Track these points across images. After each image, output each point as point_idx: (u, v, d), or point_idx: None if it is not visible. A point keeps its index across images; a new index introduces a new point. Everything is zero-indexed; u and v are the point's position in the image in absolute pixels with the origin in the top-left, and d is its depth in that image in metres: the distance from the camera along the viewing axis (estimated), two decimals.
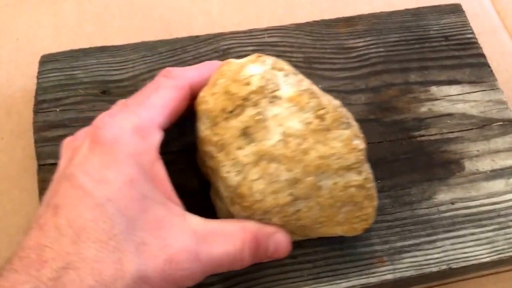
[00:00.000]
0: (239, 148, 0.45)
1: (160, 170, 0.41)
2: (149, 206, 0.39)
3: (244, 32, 0.65)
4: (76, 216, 0.36)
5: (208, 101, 0.46)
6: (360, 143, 0.47)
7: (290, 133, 0.45)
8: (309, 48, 0.63)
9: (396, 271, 0.52)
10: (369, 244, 0.53)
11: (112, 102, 0.54)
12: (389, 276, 0.52)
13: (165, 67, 0.57)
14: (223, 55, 0.62)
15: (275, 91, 0.46)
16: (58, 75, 0.60)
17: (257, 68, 0.47)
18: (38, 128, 0.55)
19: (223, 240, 0.41)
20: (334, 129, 0.46)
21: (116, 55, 0.62)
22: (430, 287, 0.56)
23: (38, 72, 0.58)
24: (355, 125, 0.48)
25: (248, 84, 0.46)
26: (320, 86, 0.58)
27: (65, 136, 0.52)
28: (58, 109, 0.58)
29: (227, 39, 0.64)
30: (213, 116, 0.46)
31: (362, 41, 0.65)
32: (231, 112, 0.45)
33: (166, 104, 0.44)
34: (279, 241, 0.45)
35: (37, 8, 0.68)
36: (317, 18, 0.66)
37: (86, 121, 0.54)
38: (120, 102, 0.44)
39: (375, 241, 0.54)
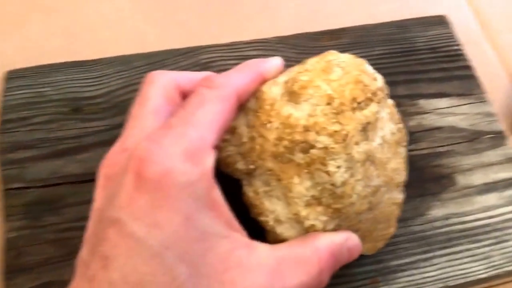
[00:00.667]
0: (356, 143, 0.41)
1: (217, 196, 0.36)
2: (211, 244, 0.34)
3: (226, 45, 0.64)
4: (131, 270, 0.32)
5: (322, 87, 0.41)
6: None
7: (386, 138, 0.43)
8: (294, 62, 0.61)
9: None
10: (363, 264, 0.52)
11: (84, 120, 0.52)
12: None
13: (142, 82, 0.56)
14: (204, 69, 0.61)
15: (387, 94, 0.45)
16: (25, 93, 0.58)
17: (371, 68, 0.45)
18: (4, 149, 0.53)
19: (297, 269, 0.37)
20: (401, 146, 0.46)
21: (89, 71, 0.61)
22: None
23: (4, 89, 0.56)
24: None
25: (375, 79, 0.43)
26: None
27: (33, 158, 0.49)
28: (25, 129, 0.56)
29: (207, 52, 0.63)
30: (337, 103, 0.41)
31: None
32: (359, 103, 0.42)
33: (214, 119, 0.38)
34: (351, 246, 0.42)
35: (1, 20, 0.65)
36: (300, 31, 0.65)
37: (55, 142, 0.52)
38: (162, 123, 0.38)
39: (368, 260, 0.52)
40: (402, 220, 0.54)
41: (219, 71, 0.51)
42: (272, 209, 0.43)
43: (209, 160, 0.36)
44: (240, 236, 0.37)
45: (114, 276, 0.31)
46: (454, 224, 0.55)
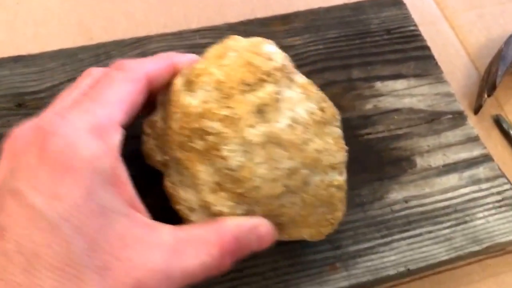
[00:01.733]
0: (251, 126, 0.41)
1: (122, 174, 0.37)
2: (111, 219, 0.35)
3: (173, 33, 0.63)
4: (27, 240, 0.32)
5: (214, 73, 0.42)
6: (344, 143, 0.46)
7: (297, 119, 0.43)
8: None
9: (351, 277, 0.51)
10: (320, 251, 0.52)
11: (29, 115, 0.51)
12: (344, 283, 0.51)
13: None
14: None
15: (292, 73, 0.44)
16: None
17: (273, 47, 0.45)
18: None
19: (197, 249, 0.37)
20: (330, 125, 0.45)
21: (32, 65, 0.59)
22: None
23: None
24: (339, 123, 0.47)
25: (271, 59, 0.43)
26: None
27: None
28: None
29: (154, 42, 0.62)
30: (227, 88, 0.41)
31: (300, 39, 0.65)
32: (250, 85, 0.41)
33: (123, 99, 0.39)
34: (262, 233, 0.42)
35: None
36: (250, 17, 0.64)
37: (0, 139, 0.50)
38: (69, 98, 0.39)
39: (326, 247, 0.52)
40: (360, 205, 0.54)
41: None
42: (185, 198, 0.43)
43: (116, 137, 0.38)
44: (141, 215, 0.37)
45: (8, 246, 0.32)
46: (413, 207, 0.55)
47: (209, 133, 0.40)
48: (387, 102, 0.61)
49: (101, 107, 0.38)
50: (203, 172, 0.41)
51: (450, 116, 0.61)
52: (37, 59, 0.60)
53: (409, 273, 0.52)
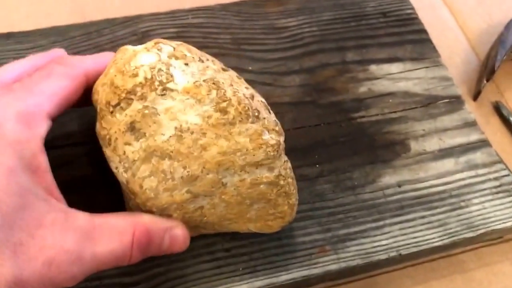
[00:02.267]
0: (127, 143, 0.42)
1: (42, 162, 0.39)
2: (29, 201, 0.36)
3: (166, 13, 0.63)
4: None
5: (99, 92, 0.44)
6: (271, 138, 0.44)
7: (186, 127, 0.42)
8: (237, 29, 0.62)
9: (341, 260, 0.50)
10: (309, 233, 0.51)
11: None
12: (334, 266, 0.50)
13: (78, 52, 0.56)
14: (142, 38, 0.60)
15: (167, 82, 0.43)
16: None
17: (149, 58, 0.44)
18: None
19: (110, 236, 0.39)
20: (240, 123, 0.43)
21: (24, 42, 0.59)
22: (378, 274, 0.53)
23: None
24: (268, 117, 0.45)
25: (135, 76, 0.42)
26: (250, 68, 0.58)
27: None
28: None
29: (146, 21, 0.62)
30: (100, 109, 0.43)
31: (294, 20, 0.64)
32: (115, 106, 0.42)
33: (56, 92, 0.41)
34: (175, 236, 0.43)
35: None
36: None
37: None
38: (4, 85, 0.41)
39: (316, 229, 0.51)
40: (351, 188, 0.54)
41: None
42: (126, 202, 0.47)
43: (42, 127, 0.40)
44: (58, 202, 0.38)
45: None
46: (407, 192, 0.55)
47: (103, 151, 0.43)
48: (382, 85, 0.60)
49: (32, 97, 0.40)
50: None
51: (447, 100, 0.60)
52: (29, 36, 0.59)
53: (401, 258, 0.51)
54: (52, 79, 0.42)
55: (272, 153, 0.43)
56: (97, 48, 0.58)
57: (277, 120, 0.46)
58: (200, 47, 0.52)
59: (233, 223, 0.47)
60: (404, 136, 0.58)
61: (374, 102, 0.59)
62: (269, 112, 0.46)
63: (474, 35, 0.68)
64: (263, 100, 0.46)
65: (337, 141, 0.56)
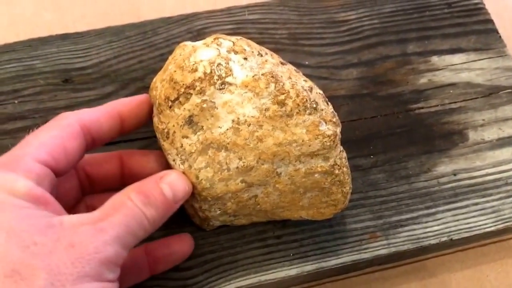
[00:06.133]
0: (185, 136, 0.53)
1: (42, 192, 0.47)
2: (48, 223, 0.45)
3: (222, 10, 0.76)
4: None
5: (157, 88, 0.54)
6: (328, 129, 0.54)
7: (243, 120, 0.53)
8: (295, 24, 0.75)
9: (391, 245, 0.62)
10: (361, 220, 0.63)
11: (75, 90, 0.66)
12: (383, 251, 0.62)
13: (133, 51, 0.70)
14: (198, 35, 0.73)
15: (226, 77, 0.53)
16: (15, 66, 0.69)
17: (208, 53, 0.53)
18: None
19: (114, 214, 0.47)
20: (297, 115, 0.53)
21: (79, 42, 0.73)
22: (428, 258, 0.66)
23: None
24: (325, 109, 0.55)
25: (194, 71, 0.52)
26: (307, 62, 0.71)
27: (24, 128, 0.63)
28: (16, 101, 0.67)
29: (202, 19, 0.75)
30: (158, 104, 0.54)
31: (354, 14, 0.77)
32: (174, 101, 0.53)
33: (46, 142, 0.49)
34: (172, 181, 0.51)
35: None
36: None
37: (47, 112, 0.65)
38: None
39: (367, 216, 0.64)
40: (405, 177, 0.66)
41: None
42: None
43: (27, 165, 0.48)
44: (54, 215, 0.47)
45: None
46: (462, 180, 0.66)
47: (160, 144, 0.55)
48: (443, 76, 0.73)
49: (20, 148, 0.49)
50: None
51: (510, 90, 0.72)
52: (84, 36, 0.73)
53: (452, 243, 0.63)
54: (43, 132, 0.50)
55: (328, 143, 0.54)
56: (153, 47, 0.72)
57: (334, 112, 0.56)
58: (256, 43, 0.64)
59: (286, 211, 0.58)
60: (463, 126, 0.69)
61: (434, 93, 0.71)
62: (327, 104, 0.56)
63: None
64: (321, 92, 0.57)
65: (393, 132, 0.68)
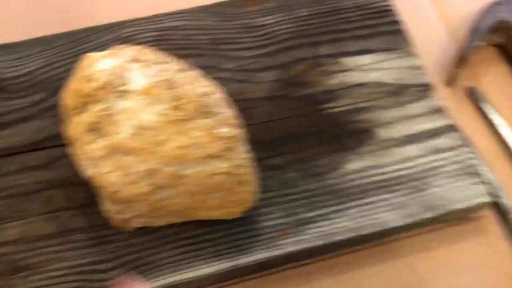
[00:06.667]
0: (90, 142, 0.51)
1: None
2: None
3: (148, 18, 0.72)
4: None
5: (64, 97, 0.53)
6: (227, 131, 0.52)
7: (144, 125, 0.51)
8: (215, 30, 0.71)
9: (301, 242, 0.59)
10: (273, 218, 0.60)
11: (8, 99, 0.63)
12: (294, 248, 0.59)
13: (64, 59, 0.66)
14: (124, 42, 0.68)
15: (124, 85, 0.51)
16: None
17: (108, 63, 0.52)
18: None
19: None
20: (195, 119, 0.52)
21: (12, 52, 0.69)
22: (343, 255, 0.62)
23: None
24: (224, 112, 0.54)
25: (92, 80, 0.51)
26: (225, 66, 0.67)
27: None
28: None
29: (129, 27, 0.71)
30: (64, 113, 0.53)
31: (272, 18, 0.72)
32: (76, 109, 0.52)
33: None
34: None
35: None
36: None
37: None
38: None
39: (279, 214, 0.60)
40: (316, 175, 0.62)
41: (140, 43, 0.63)
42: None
43: None
44: None
45: None
46: (370, 176, 0.63)
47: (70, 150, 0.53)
48: (354, 77, 0.68)
49: None
50: None
51: (417, 88, 0.68)
52: (16, 47, 0.69)
53: (360, 238, 0.60)
54: None
55: (227, 145, 0.52)
56: (82, 55, 0.66)
57: (236, 115, 0.54)
58: (178, 48, 0.64)
59: (198, 211, 0.56)
60: (372, 124, 0.66)
61: (345, 93, 0.67)
62: (227, 107, 0.54)
63: (453, 23, 0.76)
64: (224, 96, 0.55)
65: (306, 132, 0.65)
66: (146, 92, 0.51)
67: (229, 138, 0.52)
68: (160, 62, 0.54)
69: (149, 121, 0.51)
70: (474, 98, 0.70)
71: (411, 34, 0.72)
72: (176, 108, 0.51)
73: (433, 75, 0.72)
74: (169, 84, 0.51)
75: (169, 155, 0.51)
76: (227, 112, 0.54)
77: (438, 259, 0.62)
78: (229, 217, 0.56)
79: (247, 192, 0.55)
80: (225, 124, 0.52)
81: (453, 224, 0.64)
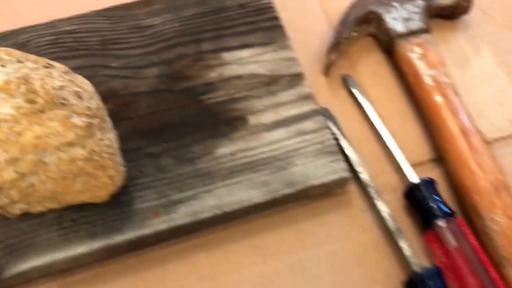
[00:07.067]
0: None
1: None
2: None
3: (46, 23, 0.76)
4: None
5: None
6: (80, 121, 0.57)
7: (1, 118, 0.55)
8: (107, 31, 0.75)
9: (170, 220, 0.63)
10: (147, 200, 0.64)
11: None
12: (163, 226, 0.63)
13: None
14: (21, 47, 0.73)
15: None
16: None
17: None
18: None
19: None
20: (49, 110, 0.56)
21: None
22: (216, 232, 0.68)
23: None
24: (78, 103, 0.58)
25: None
26: (114, 64, 0.72)
27: None
28: None
29: (26, 32, 0.75)
30: None
31: (159, 19, 0.77)
32: None
33: None
34: None
35: None
36: (116, 3, 0.79)
37: None
38: None
39: (153, 197, 0.64)
40: (190, 160, 0.67)
41: (36, 47, 0.69)
42: None
43: None
44: None
45: None
46: (239, 159, 0.67)
47: None
48: (231, 70, 0.73)
49: None
50: None
51: (289, 78, 0.73)
52: None
53: (226, 215, 0.64)
54: None
55: (81, 133, 0.56)
56: None
57: (91, 106, 0.59)
58: (71, 50, 0.70)
59: (67, 196, 0.59)
60: (245, 112, 0.70)
61: (223, 85, 0.72)
62: (81, 99, 0.58)
63: (334, 16, 0.82)
64: (79, 89, 0.59)
65: (185, 121, 0.69)
66: (1, 88, 0.55)
67: (83, 127, 0.56)
68: (18, 61, 0.57)
69: (7, 114, 0.54)
70: (347, 84, 0.76)
71: (296, 28, 0.78)
72: (29, 101, 0.54)
73: (313, 66, 0.78)
74: (22, 80, 0.55)
75: (28, 145, 0.54)
76: (82, 103, 0.57)
77: (304, 230, 0.66)
78: (97, 200, 0.60)
79: (107, 176, 0.59)
80: (79, 114, 0.56)
81: (320, 200, 0.68)
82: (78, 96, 0.58)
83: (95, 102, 0.60)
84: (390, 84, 0.78)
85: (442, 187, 0.69)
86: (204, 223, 0.64)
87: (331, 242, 0.67)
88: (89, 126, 0.57)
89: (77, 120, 0.56)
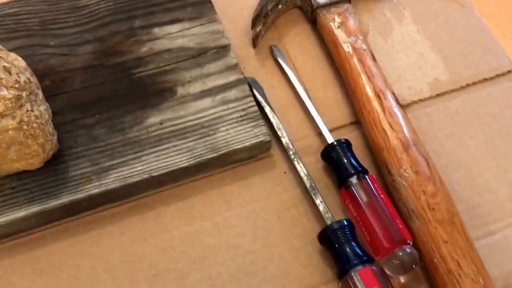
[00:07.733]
0: None
1: None
2: None
3: None
4: None
5: None
6: (8, 93, 0.62)
7: None
8: (45, 13, 0.81)
9: (102, 185, 0.69)
10: (80, 168, 0.70)
11: None
12: (96, 190, 0.69)
13: None
14: None
15: None
16: None
17: None
18: None
19: None
20: None
21: None
22: (148, 196, 0.74)
23: None
24: (6, 77, 0.63)
25: None
26: (51, 43, 0.78)
27: None
28: None
29: None
30: None
31: None
32: None
33: None
34: None
35: None
36: None
37: None
38: None
39: (86, 165, 0.71)
40: (121, 130, 0.73)
41: None
42: None
43: None
44: None
45: None
46: (167, 127, 0.73)
47: None
48: (161, 44, 0.79)
49: None
50: None
51: (215, 50, 0.79)
52: None
53: (154, 179, 0.70)
54: None
55: (10, 105, 0.62)
56: None
57: (19, 79, 0.64)
58: (11, 31, 0.76)
59: (4, 165, 0.65)
60: (174, 84, 0.76)
61: (153, 59, 0.78)
62: (10, 74, 0.64)
63: None
64: (8, 65, 0.64)
65: (117, 94, 0.75)
66: None
67: (11, 98, 0.62)
68: None
69: None
70: (274, 55, 0.83)
71: (227, 3, 0.86)
72: None
73: (242, 38, 0.85)
74: None
75: None
76: (10, 78, 0.63)
77: (231, 193, 0.73)
78: (31, 167, 0.66)
79: (38, 144, 0.64)
80: (7, 87, 0.62)
81: (246, 164, 0.75)
82: (7, 71, 0.63)
83: (24, 76, 0.65)
84: (315, 54, 0.84)
85: (359, 148, 0.76)
86: (134, 187, 0.70)
87: (254, 202, 0.73)
88: (18, 98, 0.62)
89: (6, 93, 0.61)
